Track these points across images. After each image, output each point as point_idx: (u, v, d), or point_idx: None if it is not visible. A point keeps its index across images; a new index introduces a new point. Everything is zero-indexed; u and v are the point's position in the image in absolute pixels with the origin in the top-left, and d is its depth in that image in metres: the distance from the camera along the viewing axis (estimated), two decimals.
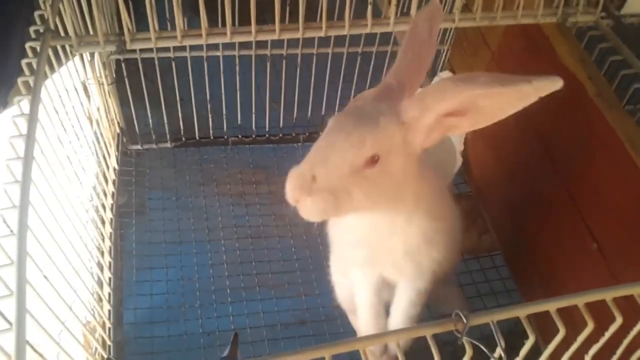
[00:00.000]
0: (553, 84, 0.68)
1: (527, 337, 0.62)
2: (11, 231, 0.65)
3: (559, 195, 1.05)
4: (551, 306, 0.64)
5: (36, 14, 0.86)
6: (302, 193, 0.72)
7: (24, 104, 0.77)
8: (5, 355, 0.56)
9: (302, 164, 0.73)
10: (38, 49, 0.82)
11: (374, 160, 0.74)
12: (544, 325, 0.65)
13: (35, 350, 0.64)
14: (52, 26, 0.81)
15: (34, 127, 0.70)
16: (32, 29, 0.83)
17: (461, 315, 0.61)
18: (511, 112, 0.72)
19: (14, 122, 0.73)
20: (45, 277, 0.76)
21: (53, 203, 0.86)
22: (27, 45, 0.81)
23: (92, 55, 1.13)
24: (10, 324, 0.58)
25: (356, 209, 0.79)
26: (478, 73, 0.71)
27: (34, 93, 0.73)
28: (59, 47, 0.89)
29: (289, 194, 0.73)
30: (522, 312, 0.63)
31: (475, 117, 0.73)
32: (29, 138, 0.69)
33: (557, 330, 0.62)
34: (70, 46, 0.81)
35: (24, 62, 0.80)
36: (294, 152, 1.60)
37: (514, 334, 0.65)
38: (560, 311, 0.63)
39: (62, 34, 0.90)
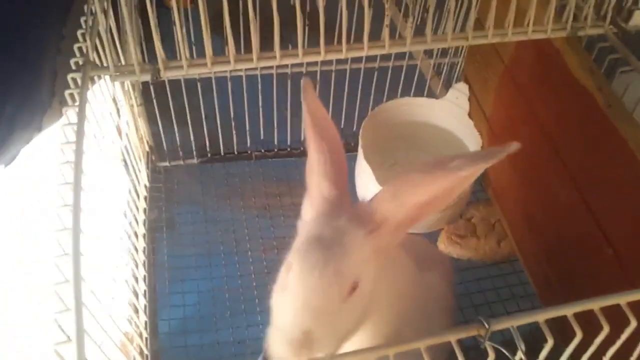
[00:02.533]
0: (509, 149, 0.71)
1: (547, 341, 0.66)
2: (64, 252, 0.71)
3: (574, 202, 1.08)
4: (568, 311, 0.67)
5: (75, 46, 0.92)
6: (307, 354, 0.66)
7: (68, 131, 0.83)
8: None
9: (289, 326, 0.66)
10: (78, 80, 0.88)
11: (355, 286, 0.69)
12: (563, 328, 0.68)
13: None
14: (91, 58, 0.87)
15: (81, 154, 0.76)
16: (72, 60, 0.89)
17: (483, 320, 0.65)
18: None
19: (62, 149, 0.79)
20: (93, 292, 0.82)
21: (97, 222, 0.91)
22: (69, 76, 0.87)
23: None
24: (69, 337, 0.64)
25: (353, 333, 0.73)
26: (443, 158, 0.69)
27: (79, 122, 0.79)
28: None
29: None
30: (540, 317, 0.66)
31: (442, 200, 0.71)
32: (77, 165, 0.74)
33: (576, 333, 0.66)
34: (109, 76, 0.87)
35: (67, 92, 0.87)
36: None
37: (535, 337, 0.69)
38: (577, 315, 0.67)
39: (97, 62, 0.96)
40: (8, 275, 1.52)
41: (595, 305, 0.68)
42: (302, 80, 0.81)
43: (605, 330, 0.67)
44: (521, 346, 0.65)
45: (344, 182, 0.75)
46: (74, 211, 0.70)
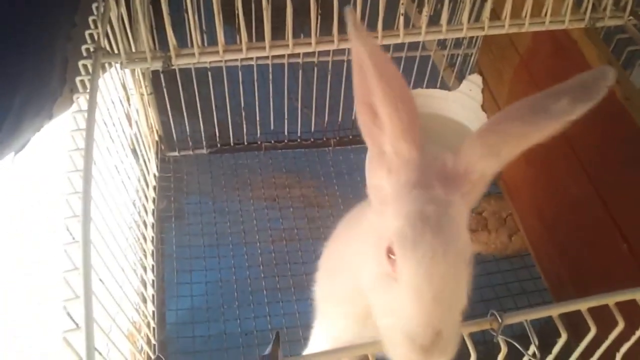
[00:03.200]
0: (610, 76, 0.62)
1: (558, 336, 0.65)
2: (74, 239, 0.70)
3: (589, 196, 1.07)
4: (582, 305, 0.66)
5: (86, 32, 0.91)
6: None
7: (79, 118, 0.82)
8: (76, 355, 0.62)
9: (421, 327, 0.57)
10: (89, 66, 0.87)
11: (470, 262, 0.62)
12: (575, 323, 0.67)
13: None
14: (102, 45, 0.86)
15: (92, 141, 0.75)
16: (83, 47, 0.89)
17: (496, 314, 0.64)
18: None
19: (72, 136, 0.79)
20: (101, 280, 0.81)
21: (107, 210, 0.91)
22: (80, 63, 0.87)
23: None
24: (78, 325, 0.64)
25: None
26: (544, 100, 0.61)
27: (89, 109, 0.78)
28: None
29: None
30: (554, 311, 0.65)
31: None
32: (87, 152, 0.74)
33: (588, 328, 0.65)
34: (120, 63, 0.86)
35: (78, 79, 0.86)
36: (325, 156, 1.64)
37: (544, 332, 0.68)
38: (591, 310, 0.66)
39: (108, 49, 0.95)
40: (13, 269, 1.52)
41: (610, 300, 0.67)
42: (346, 11, 0.66)
43: (620, 325, 0.66)
44: (535, 340, 0.64)
45: (421, 139, 0.64)
46: (83, 198, 0.69)
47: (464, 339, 0.63)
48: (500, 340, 0.63)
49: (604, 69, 0.61)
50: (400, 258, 0.58)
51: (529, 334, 0.64)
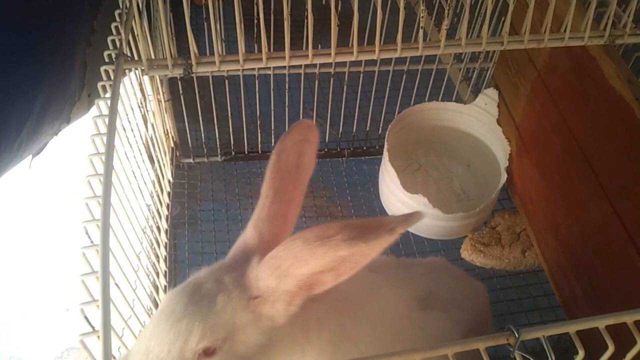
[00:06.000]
0: (413, 220, 0.61)
1: (570, 353, 0.64)
2: (92, 242, 0.71)
3: (605, 213, 1.06)
4: (600, 323, 0.66)
5: (109, 39, 0.93)
6: None
7: (99, 122, 0.83)
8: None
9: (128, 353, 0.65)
10: (111, 72, 0.88)
11: (209, 352, 0.64)
12: (588, 341, 0.67)
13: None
14: (125, 51, 0.87)
15: (112, 146, 0.76)
16: (105, 53, 0.90)
17: (513, 329, 0.64)
18: (375, 256, 0.62)
19: (92, 140, 0.80)
20: (117, 284, 0.82)
21: (123, 215, 0.92)
22: (102, 68, 0.87)
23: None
24: (94, 328, 0.64)
25: None
26: (333, 229, 0.60)
27: (110, 114, 0.79)
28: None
29: None
30: (571, 327, 0.65)
31: (339, 270, 0.63)
32: (108, 157, 0.74)
33: (601, 346, 0.64)
34: (142, 69, 0.87)
35: (99, 84, 0.87)
36: (339, 166, 1.64)
37: (555, 349, 0.67)
38: (607, 328, 0.65)
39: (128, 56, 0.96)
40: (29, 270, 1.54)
41: (629, 318, 0.66)
42: (302, 122, 0.76)
43: (639, 344, 0.65)
44: (552, 356, 0.63)
45: (275, 239, 0.68)
46: (103, 203, 0.70)
47: (479, 353, 0.62)
48: (517, 355, 0.63)
49: (413, 216, 0.60)
50: None
51: (546, 350, 0.63)
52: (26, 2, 0.92)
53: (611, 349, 0.64)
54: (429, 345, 0.63)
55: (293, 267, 0.62)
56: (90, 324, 0.64)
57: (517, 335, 0.63)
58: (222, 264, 0.70)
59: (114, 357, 0.63)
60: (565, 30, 0.96)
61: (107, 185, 0.72)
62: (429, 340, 0.89)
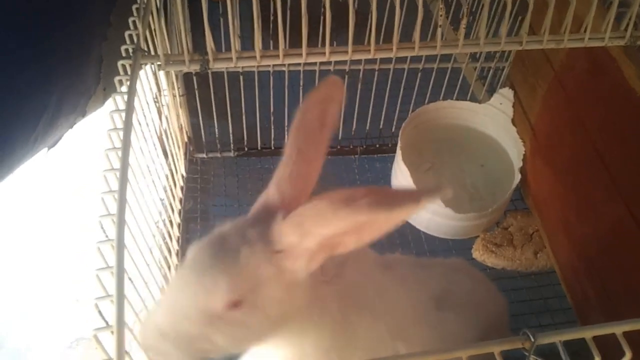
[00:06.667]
0: (441, 195, 0.60)
1: (580, 356, 0.64)
2: (107, 237, 0.71)
3: (620, 216, 1.05)
4: (618, 329, 0.65)
5: (126, 33, 0.93)
6: (156, 353, 0.66)
7: (116, 117, 0.83)
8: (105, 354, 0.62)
9: (150, 313, 0.67)
10: (128, 66, 0.88)
11: (235, 304, 0.64)
12: (601, 345, 0.66)
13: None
14: (142, 46, 0.87)
15: (129, 141, 0.76)
16: (122, 47, 0.90)
17: (529, 333, 0.63)
18: (399, 223, 0.62)
19: (109, 135, 0.80)
20: (130, 279, 0.82)
21: (138, 209, 0.92)
22: (119, 63, 0.88)
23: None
24: (108, 323, 0.64)
25: (223, 352, 0.68)
26: (359, 193, 0.60)
27: (127, 109, 0.79)
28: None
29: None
30: (588, 333, 0.64)
31: (361, 234, 0.63)
32: (124, 151, 0.75)
33: (615, 351, 0.64)
34: (158, 65, 0.87)
35: (116, 79, 0.87)
36: (351, 163, 1.64)
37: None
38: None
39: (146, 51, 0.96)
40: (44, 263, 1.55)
41: None
42: (329, 79, 0.73)
43: None
44: None
45: (296, 198, 0.68)
46: (119, 198, 0.70)
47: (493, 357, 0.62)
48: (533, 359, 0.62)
49: (437, 189, 0.60)
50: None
51: (562, 355, 0.63)
52: None
53: (628, 356, 0.64)
54: (442, 347, 0.63)
55: (316, 226, 0.62)
56: (104, 318, 0.65)
57: (532, 340, 0.63)
58: (245, 220, 0.69)
59: (127, 352, 0.63)
60: (585, 31, 0.95)
61: (123, 180, 0.72)
62: (440, 341, 0.89)
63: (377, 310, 0.84)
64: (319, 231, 0.62)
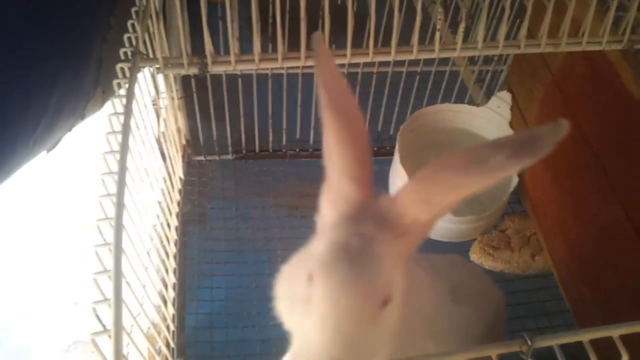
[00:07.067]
0: (562, 130, 0.57)
1: (576, 358, 0.64)
2: (104, 241, 0.71)
3: (618, 219, 1.06)
4: (614, 332, 0.65)
5: (125, 36, 0.93)
6: None
7: (114, 120, 0.83)
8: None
9: (318, 353, 0.58)
10: (126, 69, 0.89)
11: (386, 300, 0.60)
12: (598, 348, 0.66)
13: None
14: (141, 49, 0.87)
15: (127, 144, 0.76)
16: (121, 50, 0.90)
17: (526, 337, 0.64)
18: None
19: (107, 138, 0.80)
20: (128, 283, 0.82)
21: (135, 212, 0.92)
22: (118, 66, 0.88)
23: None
24: (105, 327, 0.64)
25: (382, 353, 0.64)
26: (483, 151, 0.58)
27: (126, 112, 0.79)
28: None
29: None
30: (585, 336, 0.64)
31: (474, 192, 0.61)
32: (122, 155, 0.75)
33: (613, 354, 0.64)
34: (157, 67, 0.87)
35: (115, 82, 0.87)
36: None
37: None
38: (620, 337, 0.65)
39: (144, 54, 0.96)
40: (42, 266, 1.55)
41: None
42: (313, 36, 0.67)
43: None
44: None
45: (368, 176, 0.64)
46: (117, 202, 0.70)
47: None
48: None
49: (560, 124, 0.57)
50: (315, 283, 0.59)
51: (559, 358, 0.63)
52: None
53: (625, 358, 0.64)
54: (441, 352, 0.63)
55: (444, 197, 0.60)
56: (101, 322, 0.64)
57: (530, 343, 0.63)
58: (340, 223, 0.63)
59: (124, 356, 0.63)
60: (583, 35, 0.95)
61: (121, 184, 0.72)
62: (457, 334, 0.88)
63: (414, 304, 0.76)
64: (446, 201, 0.60)
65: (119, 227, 0.68)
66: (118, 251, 0.66)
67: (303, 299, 0.60)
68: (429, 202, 0.60)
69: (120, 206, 0.70)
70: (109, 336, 0.62)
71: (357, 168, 0.62)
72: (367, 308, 0.58)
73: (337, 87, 0.64)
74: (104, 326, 0.65)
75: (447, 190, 0.60)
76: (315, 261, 0.60)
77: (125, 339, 0.69)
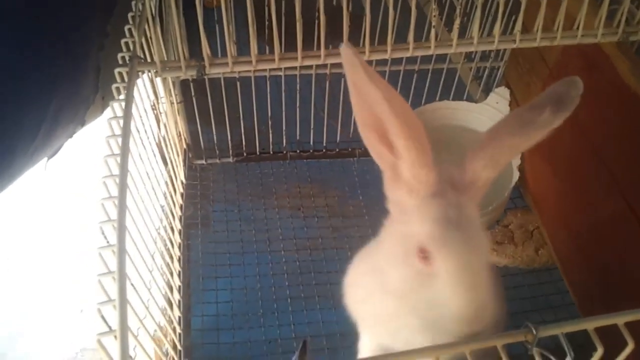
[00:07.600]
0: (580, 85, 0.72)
1: (585, 349, 0.64)
2: (108, 243, 0.71)
3: (620, 210, 1.06)
4: (619, 320, 0.65)
5: (122, 41, 0.93)
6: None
7: (114, 124, 0.84)
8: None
9: (471, 307, 0.69)
10: (124, 74, 0.89)
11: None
12: (604, 337, 0.66)
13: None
14: (138, 53, 0.88)
15: (127, 148, 0.76)
16: (119, 55, 0.91)
17: (531, 326, 0.64)
18: None
19: (107, 142, 0.80)
20: (133, 285, 0.82)
21: (138, 215, 0.92)
22: (116, 70, 0.88)
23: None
24: (111, 328, 0.65)
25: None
26: (531, 112, 0.71)
27: (125, 116, 0.80)
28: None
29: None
30: (590, 324, 0.64)
31: None
32: (123, 157, 0.75)
33: (618, 342, 0.64)
34: (155, 71, 0.88)
35: (114, 86, 0.88)
36: (350, 166, 1.64)
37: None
38: (626, 325, 0.65)
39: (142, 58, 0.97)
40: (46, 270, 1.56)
41: None
42: (341, 46, 0.72)
43: None
44: (571, 353, 0.63)
45: (430, 157, 0.71)
46: (119, 204, 0.71)
47: (496, 350, 0.62)
48: (535, 352, 0.62)
49: (574, 79, 0.72)
50: (438, 255, 0.68)
51: (565, 347, 0.63)
52: (40, 6, 0.93)
53: (631, 346, 0.64)
54: (446, 343, 0.63)
55: (507, 158, 0.71)
56: (107, 323, 0.65)
57: (535, 333, 0.63)
58: (429, 203, 0.71)
59: (131, 357, 0.63)
60: (577, 28, 0.96)
61: (123, 186, 0.72)
62: None
63: None
64: (508, 159, 0.71)
65: (121, 228, 0.68)
66: (121, 252, 0.67)
67: (419, 274, 0.70)
68: (496, 164, 0.71)
69: (122, 205, 0.70)
70: (115, 336, 0.63)
71: (425, 155, 0.70)
72: (485, 260, 0.70)
73: (390, 90, 0.70)
74: (109, 327, 0.65)
75: (509, 150, 0.71)
76: (428, 238, 0.69)
77: (132, 341, 0.70)
